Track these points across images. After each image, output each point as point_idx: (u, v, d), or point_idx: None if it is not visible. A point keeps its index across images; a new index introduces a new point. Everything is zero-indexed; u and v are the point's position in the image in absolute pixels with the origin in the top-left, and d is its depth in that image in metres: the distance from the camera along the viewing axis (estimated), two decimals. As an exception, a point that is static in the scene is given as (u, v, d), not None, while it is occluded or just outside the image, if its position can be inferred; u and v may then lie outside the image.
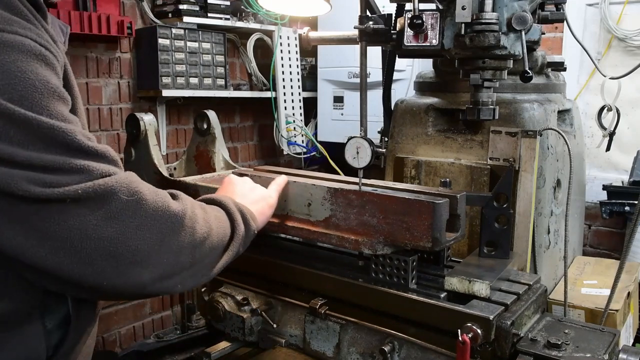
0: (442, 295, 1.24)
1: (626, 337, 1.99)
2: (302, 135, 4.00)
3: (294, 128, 3.97)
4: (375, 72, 2.36)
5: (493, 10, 1.37)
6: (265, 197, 1.31)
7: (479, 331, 1.10)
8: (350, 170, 1.37)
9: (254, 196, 1.29)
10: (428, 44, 1.52)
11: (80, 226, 0.84)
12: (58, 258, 0.84)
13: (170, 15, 3.35)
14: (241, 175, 1.52)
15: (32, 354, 0.97)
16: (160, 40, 3.23)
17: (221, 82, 3.62)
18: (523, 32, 1.39)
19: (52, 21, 1.05)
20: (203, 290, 1.63)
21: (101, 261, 0.86)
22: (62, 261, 0.84)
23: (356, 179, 1.34)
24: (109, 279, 0.89)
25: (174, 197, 1.02)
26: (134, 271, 0.90)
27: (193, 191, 1.65)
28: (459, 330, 1.10)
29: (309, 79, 4.15)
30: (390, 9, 1.80)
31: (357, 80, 2.71)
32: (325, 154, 3.74)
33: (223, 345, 1.53)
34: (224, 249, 1.09)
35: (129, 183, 0.89)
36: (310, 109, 4.15)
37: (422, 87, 2.07)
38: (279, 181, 1.39)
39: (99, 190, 0.85)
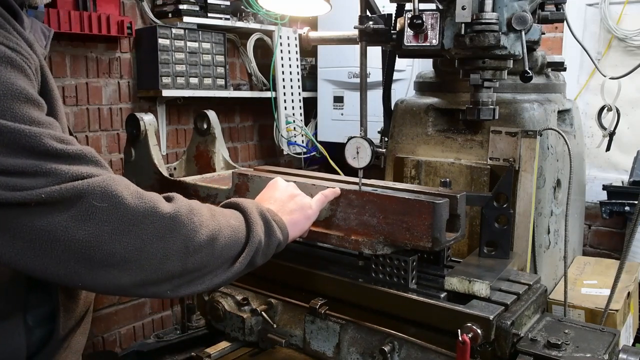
0: (442, 295, 1.24)
1: (626, 337, 1.99)
2: (302, 135, 4.00)
3: (294, 128, 3.97)
4: (375, 72, 2.36)
5: (493, 10, 1.37)
6: (304, 207, 1.24)
7: (479, 331, 1.10)
8: (350, 170, 1.37)
9: (292, 205, 1.22)
10: (428, 44, 1.52)
11: (48, 228, 0.83)
12: (29, 258, 0.83)
13: (170, 15, 3.35)
14: (244, 175, 1.51)
15: (10, 351, 0.96)
16: (160, 40, 3.23)
17: (221, 82, 3.62)
18: (523, 32, 1.39)
19: (32, 25, 1.04)
20: (203, 290, 1.63)
21: (74, 263, 0.85)
22: (33, 261, 0.84)
23: (356, 179, 1.34)
24: (84, 281, 0.88)
25: (169, 200, 0.97)
26: (110, 275, 0.88)
27: (193, 191, 1.66)
28: (459, 330, 1.10)
29: (309, 79, 4.15)
30: (390, 9, 1.80)
31: (357, 80, 2.71)
32: (325, 154, 3.74)
33: (223, 345, 1.53)
34: (234, 259, 1.03)
35: (105, 186, 0.86)
36: (310, 109, 4.15)
37: (422, 87, 2.07)
38: (327, 192, 1.30)
39: (66, 193, 0.83)
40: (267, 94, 3.92)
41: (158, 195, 0.96)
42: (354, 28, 1.68)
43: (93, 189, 0.85)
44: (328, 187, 1.33)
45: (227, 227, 1.02)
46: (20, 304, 0.97)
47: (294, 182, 1.37)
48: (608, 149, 2.24)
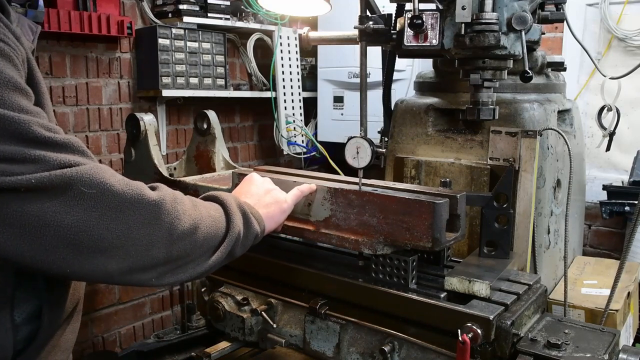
0: (442, 295, 1.24)
1: (626, 337, 1.99)
2: (302, 135, 4.00)
3: (294, 128, 3.97)
4: (375, 72, 2.36)
5: (493, 10, 1.37)
6: (279, 201, 1.28)
7: (479, 331, 1.10)
8: (350, 170, 1.37)
9: (268, 199, 1.26)
10: (428, 44, 1.52)
11: (38, 213, 0.84)
12: (18, 245, 0.84)
13: (170, 15, 3.35)
14: (244, 176, 1.52)
15: None
16: (160, 40, 3.23)
17: (221, 82, 3.62)
18: (523, 32, 1.39)
19: (19, 21, 1.06)
20: (203, 290, 1.63)
21: (63, 249, 0.86)
22: (23, 248, 0.85)
23: (356, 179, 1.34)
24: (72, 268, 0.89)
25: (153, 189, 0.99)
26: (98, 261, 0.89)
27: (193, 191, 1.66)
28: (459, 330, 1.10)
29: (309, 79, 4.15)
30: (390, 9, 1.80)
31: (357, 80, 2.71)
32: (325, 154, 3.74)
33: (223, 345, 1.53)
34: (214, 248, 1.06)
35: (92, 174, 0.88)
36: (310, 109, 4.15)
37: (422, 87, 2.07)
38: (302, 188, 1.35)
39: (55, 180, 0.85)
40: (267, 94, 3.92)
41: (143, 184, 0.98)
42: (354, 28, 1.68)
43: (81, 176, 0.87)
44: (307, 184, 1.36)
45: (208, 217, 1.05)
46: (7, 301, 0.97)
47: (294, 182, 1.38)
48: (608, 149, 2.24)
